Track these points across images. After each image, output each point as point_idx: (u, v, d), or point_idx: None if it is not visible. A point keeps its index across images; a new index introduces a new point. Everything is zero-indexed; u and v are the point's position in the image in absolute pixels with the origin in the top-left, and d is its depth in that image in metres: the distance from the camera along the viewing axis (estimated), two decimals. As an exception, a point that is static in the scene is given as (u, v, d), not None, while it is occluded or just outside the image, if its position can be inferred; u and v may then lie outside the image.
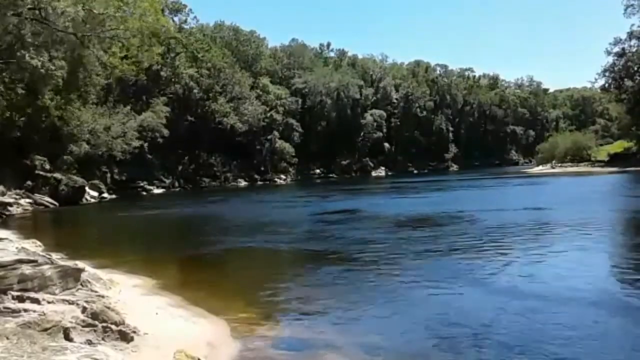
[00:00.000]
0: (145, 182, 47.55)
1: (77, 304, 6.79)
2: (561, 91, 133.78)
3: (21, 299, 6.57)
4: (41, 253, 10.18)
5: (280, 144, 66.57)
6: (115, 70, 30.39)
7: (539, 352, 6.06)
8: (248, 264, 13.28)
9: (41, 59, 25.51)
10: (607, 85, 65.04)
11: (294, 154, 67.59)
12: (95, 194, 37.17)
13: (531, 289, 8.89)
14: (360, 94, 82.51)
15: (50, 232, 19.53)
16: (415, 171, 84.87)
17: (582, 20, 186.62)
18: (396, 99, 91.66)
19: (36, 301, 6.63)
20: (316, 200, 33.32)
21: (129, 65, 28.31)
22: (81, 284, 8.11)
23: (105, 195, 38.53)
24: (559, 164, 66.62)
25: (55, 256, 10.55)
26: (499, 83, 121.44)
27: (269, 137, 65.73)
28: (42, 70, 25.70)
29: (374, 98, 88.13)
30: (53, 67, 26.87)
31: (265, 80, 68.86)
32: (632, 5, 56.97)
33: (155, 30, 25.97)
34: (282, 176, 65.99)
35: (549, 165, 67.60)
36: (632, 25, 60.08)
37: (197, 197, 41.27)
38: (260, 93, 66.05)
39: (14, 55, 25.75)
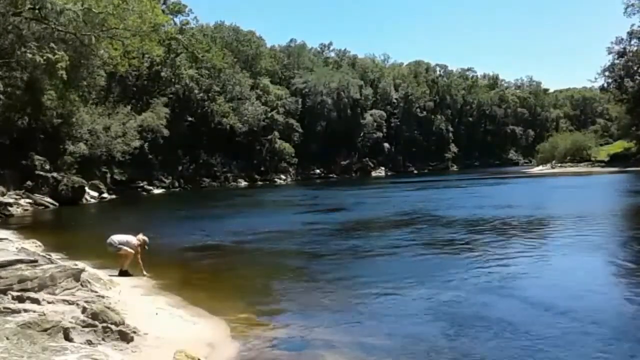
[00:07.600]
0: (145, 182, 47.47)
1: (77, 304, 6.79)
2: (561, 91, 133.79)
3: (21, 299, 6.57)
4: (41, 253, 10.20)
5: (280, 144, 66.51)
6: (118, 67, 30.25)
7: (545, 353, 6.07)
8: (248, 264, 13.25)
9: (42, 54, 25.37)
10: (606, 85, 65.12)
11: (294, 154, 67.54)
12: (95, 194, 37.11)
13: (529, 289, 8.92)
14: (360, 94, 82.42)
15: (50, 232, 19.46)
16: (415, 171, 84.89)
17: (582, 20, 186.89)
18: (396, 99, 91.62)
19: (36, 301, 6.62)
20: (316, 200, 33.30)
21: (131, 60, 28.17)
22: (81, 284, 8.10)
23: (105, 195, 38.46)
24: (559, 164, 66.64)
25: (55, 256, 10.56)
26: (498, 83, 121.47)
27: (269, 137, 65.65)
28: (43, 65, 25.48)
29: (374, 98, 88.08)
30: (53, 58, 26.56)
31: (265, 81, 68.80)
32: (632, 5, 57.14)
33: (155, 27, 25.89)
34: (282, 176, 65.94)
35: (548, 166, 67.62)
36: (633, 25, 60.30)
37: (198, 197, 41.22)
38: (261, 93, 66.02)
39: (14, 55, 25.70)
